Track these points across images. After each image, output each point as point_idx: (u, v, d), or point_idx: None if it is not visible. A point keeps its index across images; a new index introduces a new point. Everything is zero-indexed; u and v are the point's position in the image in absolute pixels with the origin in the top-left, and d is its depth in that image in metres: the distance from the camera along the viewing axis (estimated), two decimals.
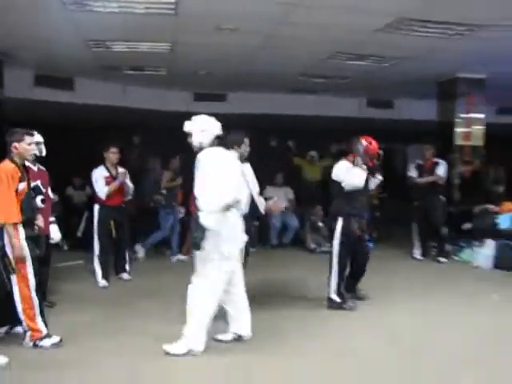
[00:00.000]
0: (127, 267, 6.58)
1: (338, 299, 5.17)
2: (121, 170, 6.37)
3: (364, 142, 5.14)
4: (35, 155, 4.57)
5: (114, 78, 9.41)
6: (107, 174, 6.25)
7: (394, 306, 5.29)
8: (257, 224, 8.18)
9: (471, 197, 8.72)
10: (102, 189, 6.18)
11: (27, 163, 4.34)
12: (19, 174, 4.02)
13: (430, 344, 4.25)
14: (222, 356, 3.92)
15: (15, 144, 4.07)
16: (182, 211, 7.93)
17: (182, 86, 10.36)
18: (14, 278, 3.97)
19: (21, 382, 3.49)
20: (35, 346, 4.00)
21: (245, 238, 4.15)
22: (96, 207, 6.29)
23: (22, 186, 4.04)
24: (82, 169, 7.77)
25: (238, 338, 4.18)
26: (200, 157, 3.91)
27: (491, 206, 8.08)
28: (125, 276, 6.51)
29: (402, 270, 7.03)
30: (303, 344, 4.23)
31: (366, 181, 5.18)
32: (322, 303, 5.25)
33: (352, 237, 5.15)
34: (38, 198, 4.64)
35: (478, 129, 9.28)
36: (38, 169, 4.95)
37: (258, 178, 4.98)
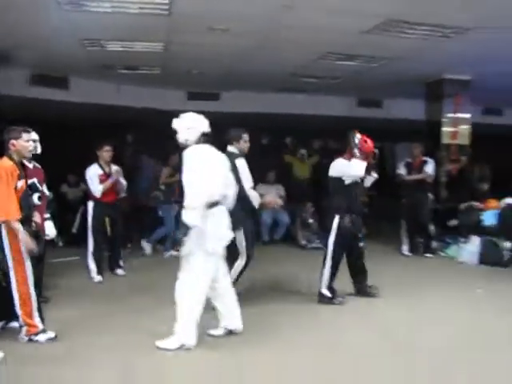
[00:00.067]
0: (121, 263, 6.57)
1: (328, 294, 5.19)
2: (115, 168, 6.35)
3: (358, 135, 5.14)
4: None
5: (109, 76, 9.36)
6: (101, 172, 6.24)
7: (383, 300, 5.31)
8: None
9: (457, 194, 8.79)
10: (96, 187, 6.16)
11: (23, 161, 4.32)
12: (18, 172, 4.00)
13: (421, 338, 4.27)
14: (214, 350, 3.92)
15: (13, 141, 4.04)
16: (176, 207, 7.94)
17: (176, 85, 10.33)
18: (12, 275, 3.94)
19: (16, 376, 3.47)
20: (30, 340, 3.99)
21: (230, 234, 4.12)
22: (90, 204, 6.28)
23: (21, 183, 4.02)
24: (76, 166, 7.73)
25: (230, 332, 4.19)
26: (186, 154, 3.91)
27: (476, 204, 8.14)
28: (119, 272, 6.50)
29: (390, 265, 7.06)
30: (296, 338, 4.24)
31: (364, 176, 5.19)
32: (314, 298, 5.26)
33: (348, 234, 5.17)
34: (35, 196, 4.62)
35: (465, 128, 9.35)
36: (34, 166, 4.92)
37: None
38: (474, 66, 8.19)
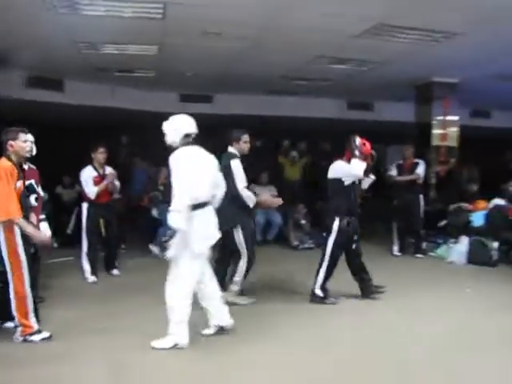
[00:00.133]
0: (117, 263, 6.56)
1: (321, 294, 5.20)
2: (109, 170, 6.34)
3: (358, 138, 5.18)
4: None
5: (103, 79, 9.35)
6: (95, 174, 6.22)
7: (375, 301, 5.31)
8: None
9: (446, 195, 8.84)
10: (91, 189, 6.15)
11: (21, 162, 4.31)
12: (17, 172, 3.99)
13: (413, 337, 4.29)
14: (210, 350, 3.92)
15: (11, 142, 4.03)
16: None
17: (169, 88, 10.33)
18: (9, 275, 3.93)
19: (10, 376, 3.45)
20: (25, 341, 3.97)
21: (217, 235, 4.09)
22: (84, 205, 6.26)
23: (19, 184, 4.01)
24: (71, 168, 7.71)
25: (221, 330, 4.19)
26: (171, 157, 3.91)
27: (465, 205, 8.19)
28: (115, 272, 6.49)
29: (381, 266, 7.05)
30: (292, 337, 4.25)
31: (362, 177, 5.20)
32: (307, 298, 5.27)
33: (347, 236, 5.18)
34: (32, 197, 4.60)
35: (453, 130, 9.41)
36: (29, 167, 4.88)
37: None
38: (462, 69, 8.26)
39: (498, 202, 7.75)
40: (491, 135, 12.08)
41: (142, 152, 9.97)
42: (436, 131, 9.35)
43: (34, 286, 4.08)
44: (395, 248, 8.03)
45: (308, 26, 6.13)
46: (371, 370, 3.62)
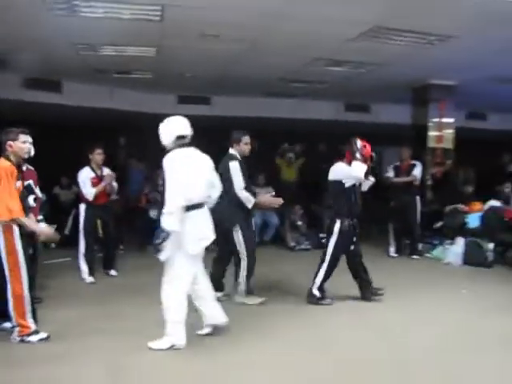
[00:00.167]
0: (115, 264, 6.56)
1: (318, 294, 5.20)
2: (107, 171, 6.34)
3: (359, 142, 5.18)
4: None
5: (102, 80, 9.34)
6: (93, 175, 6.21)
7: (372, 302, 5.31)
8: None
9: (442, 197, 8.86)
10: (89, 190, 6.13)
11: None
12: (16, 172, 3.98)
13: (410, 338, 4.30)
14: (206, 350, 3.92)
15: (10, 142, 4.02)
16: None
17: (167, 89, 10.34)
18: (7, 275, 3.91)
19: (7, 377, 3.44)
20: (22, 341, 3.96)
21: (212, 236, 4.07)
22: (82, 206, 6.24)
23: (18, 184, 4.01)
24: (69, 168, 7.69)
25: (216, 328, 4.18)
26: (164, 159, 3.90)
27: (461, 206, 8.21)
28: (113, 272, 6.49)
29: (378, 267, 7.04)
30: (289, 338, 4.25)
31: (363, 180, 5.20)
32: (304, 298, 5.27)
33: (348, 238, 5.18)
34: (31, 198, 4.59)
35: (449, 132, 9.44)
36: (27, 168, 4.88)
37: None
38: (458, 71, 8.28)
39: (494, 203, 7.77)
40: (487, 137, 12.11)
41: (140, 153, 9.96)
42: (432, 133, 9.37)
43: (31, 287, 4.07)
44: (391, 249, 8.04)
45: (305, 29, 6.14)
46: (369, 371, 3.63)
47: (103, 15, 5.74)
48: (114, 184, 6.39)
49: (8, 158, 4.02)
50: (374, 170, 5.45)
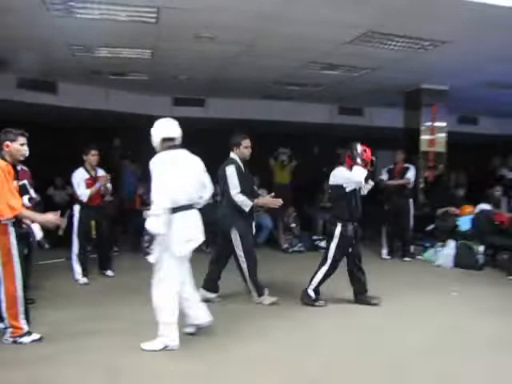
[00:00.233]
0: (111, 264, 6.54)
1: (312, 295, 5.19)
2: (101, 172, 6.31)
3: (360, 146, 5.18)
4: None
5: (97, 82, 9.30)
6: (87, 176, 6.18)
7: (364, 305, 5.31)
8: None
9: (434, 200, 8.89)
10: (83, 192, 6.11)
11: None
12: (13, 172, 3.96)
13: (401, 339, 4.30)
14: (198, 351, 3.90)
15: (7, 143, 4.00)
16: None
17: (162, 91, 10.31)
18: (1, 277, 3.87)
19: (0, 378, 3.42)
20: (15, 342, 3.92)
21: (200, 237, 4.03)
22: (76, 207, 6.21)
23: (14, 184, 3.98)
24: (63, 169, 7.65)
25: (198, 327, 4.16)
26: (151, 161, 3.88)
27: (452, 209, 8.24)
28: (109, 273, 6.47)
29: (370, 269, 7.03)
30: (279, 337, 4.24)
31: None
32: (297, 299, 5.27)
33: (349, 242, 5.18)
34: (25, 197, 4.56)
35: (441, 136, 9.47)
36: (21, 169, 4.86)
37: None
38: (450, 76, 8.32)
39: (484, 206, 7.80)
40: (478, 141, 12.18)
41: (134, 155, 9.91)
42: (424, 137, 9.40)
43: (25, 288, 4.03)
44: (384, 251, 8.05)
45: (300, 32, 6.15)
46: (359, 372, 3.62)
47: (99, 17, 5.71)
48: (109, 185, 6.36)
49: (3, 158, 3.98)
50: (373, 173, 5.46)
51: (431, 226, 8.47)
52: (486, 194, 8.36)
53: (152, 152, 4.07)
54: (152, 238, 3.78)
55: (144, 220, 3.75)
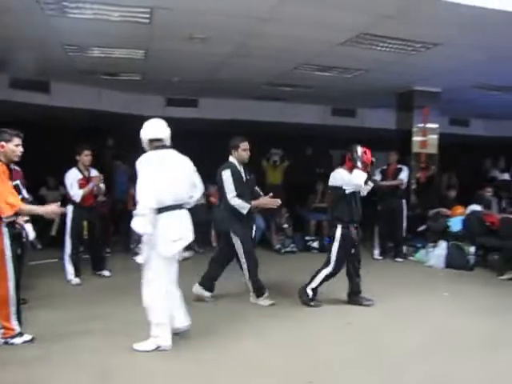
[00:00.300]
0: (106, 265, 6.53)
1: (310, 294, 5.19)
2: (94, 172, 6.29)
3: (360, 149, 5.18)
4: None
5: (90, 82, 9.26)
6: (81, 177, 6.17)
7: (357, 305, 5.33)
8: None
9: (426, 201, 8.94)
10: (76, 192, 6.10)
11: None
12: (8, 171, 3.94)
13: (394, 339, 4.33)
14: (191, 352, 3.90)
15: (2, 143, 3.98)
16: None
17: (155, 92, 10.28)
18: None
19: None
20: (6, 343, 3.90)
21: (189, 237, 4.02)
22: (69, 208, 6.18)
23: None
24: (56, 169, 7.62)
25: (176, 331, 4.11)
26: (137, 161, 3.88)
27: (444, 210, 8.29)
28: (105, 273, 6.46)
29: (363, 270, 7.08)
30: (273, 336, 4.25)
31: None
32: (290, 299, 5.28)
33: (350, 243, 5.19)
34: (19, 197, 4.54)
35: (433, 138, 9.52)
36: (14, 169, 4.83)
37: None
38: (441, 78, 8.36)
39: (475, 207, 7.85)
40: (469, 143, 12.25)
41: (127, 155, 9.89)
42: (416, 138, 9.44)
43: (17, 288, 4.01)
44: (376, 252, 8.08)
45: (293, 34, 6.15)
46: (355, 372, 3.64)
47: (92, 17, 5.69)
48: (102, 185, 6.35)
49: None
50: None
51: (423, 227, 8.52)
52: (477, 195, 8.42)
53: (144, 152, 4.06)
54: (139, 237, 3.78)
55: None
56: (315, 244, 8.91)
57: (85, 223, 6.24)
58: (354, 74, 8.24)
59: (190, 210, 4.13)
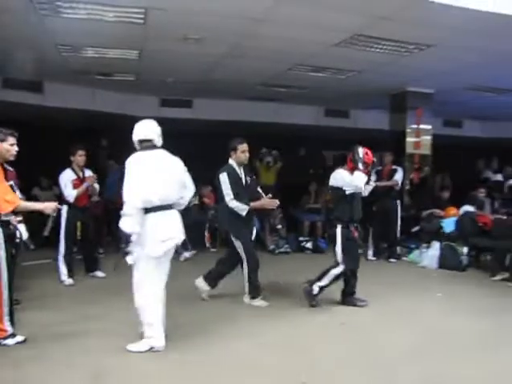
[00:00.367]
0: (98, 265, 6.51)
1: (316, 291, 5.15)
2: (89, 173, 6.28)
3: (361, 150, 5.18)
4: None
5: (84, 82, 9.23)
6: (75, 177, 6.16)
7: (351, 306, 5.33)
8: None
9: (419, 202, 8.97)
10: (70, 193, 6.08)
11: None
12: (3, 171, 3.92)
13: (387, 339, 4.34)
14: (185, 352, 3.89)
15: None
16: None
17: (150, 92, 10.26)
18: None
19: None
20: None
21: (177, 237, 3.98)
22: (64, 208, 6.14)
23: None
24: (49, 169, 7.58)
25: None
26: (126, 161, 3.88)
27: (437, 211, 8.32)
28: (99, 274, 6.44)
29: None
30: (266, 336, 4.24)
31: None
32: (285, 300, 5.29)
33: (353, 242, 5.19)
34: None
35: (427, 139, 9.56)
36: (7, 169, 4.81)
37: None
38: (434, 79, 8.40)
39: (468, 208, 7.89)
40: (462, 144, 12.31)
41: (121, 155, 9.86)
42: (410, 139, 9.48)
43: (10, 289, 3.98)
44: (370, 253, 8.10)
45: (287, 35, 6.16)
46: (348, 373, 3.64)
47: (86, 17, 5.67)
48: (96, 185, 6.34)
49: None
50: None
51: (416, 228, 8.55)
52: (470, 196, 8.46)
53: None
54: (127, 237, 3.76)
55: None
56: (309, 245, 8.92)
57: (78, 224, 6.21)
58: (347, 75, 8.27)
59: (183, 210, 4.12)
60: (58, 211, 5.72)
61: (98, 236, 7.39)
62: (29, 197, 8.02)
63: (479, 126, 12.93)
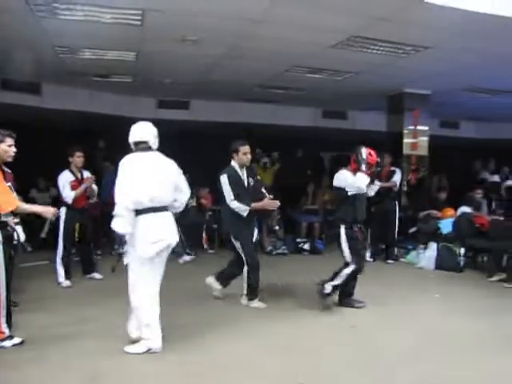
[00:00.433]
0: (95, 267, 6.49)
1: (329, 290, 5.11)
2: (87, 174, 6.26)
3: (364, 151, 5.17)
4: None
5: (81, 83, 9.21)
6: (73, 179, 6.14)
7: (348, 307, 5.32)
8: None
9: (417, 203, 8.98)
10: (68, 194, 6.06)
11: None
12: (1, 172, 3.90)
13: (386, 340, 4.33)
14: (182, 353, 3.88)
15: None
16: None
17: (147, 93, 10.25)
18: None
19: None
20: None
21: (171, 239, 3.93)
22: (62, 210, 6.13)
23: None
24: (46, 171, 7.56)
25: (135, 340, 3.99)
26: (120, 162, 3.87)
27: (434, 212, 8.33)
28: (96, 275, 6.42)
29: None
30: (265, 337, 4.24)
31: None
32: (282, 301, 5.27)
33: (358, 242, 5.18)
34: None
35: (424, 140, 9.57)
36: (5, 171, 4.78)
37: None
38: (432, 81, 8.41)
39: (465, 209, 7.89)
40: (459, 145, 12.33)
41: (118, 156, 9.84)
42: (407, 140, 9.49)
43: (8, 291, 3.97)
44: (367, 254, 8.09)
45: (285, 36, 6.16)
46: (346, 374, 3.62)
47: (83, 18, 5.66)
48: (94, 187, 6.33)
49: None
50: (378, 174, 5.46)
51: (414, 229, 8.55)
52: (467, 197, 8.46)
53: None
54: (121, 238, 3.75)
55: None
56: (306, 246, 8.92)
57: (77, 225, 6.19)
58: (344, 76, 8.27)
59: (181, 212, 4.10)
60: (57, 218, 5.75)
61: (96, 238, 7.37)
62: (26, 199, 8.03)
63: (476, 127, 12.94)
